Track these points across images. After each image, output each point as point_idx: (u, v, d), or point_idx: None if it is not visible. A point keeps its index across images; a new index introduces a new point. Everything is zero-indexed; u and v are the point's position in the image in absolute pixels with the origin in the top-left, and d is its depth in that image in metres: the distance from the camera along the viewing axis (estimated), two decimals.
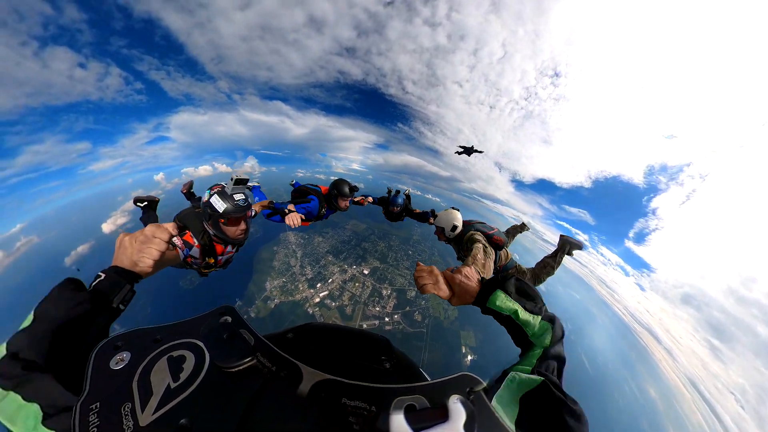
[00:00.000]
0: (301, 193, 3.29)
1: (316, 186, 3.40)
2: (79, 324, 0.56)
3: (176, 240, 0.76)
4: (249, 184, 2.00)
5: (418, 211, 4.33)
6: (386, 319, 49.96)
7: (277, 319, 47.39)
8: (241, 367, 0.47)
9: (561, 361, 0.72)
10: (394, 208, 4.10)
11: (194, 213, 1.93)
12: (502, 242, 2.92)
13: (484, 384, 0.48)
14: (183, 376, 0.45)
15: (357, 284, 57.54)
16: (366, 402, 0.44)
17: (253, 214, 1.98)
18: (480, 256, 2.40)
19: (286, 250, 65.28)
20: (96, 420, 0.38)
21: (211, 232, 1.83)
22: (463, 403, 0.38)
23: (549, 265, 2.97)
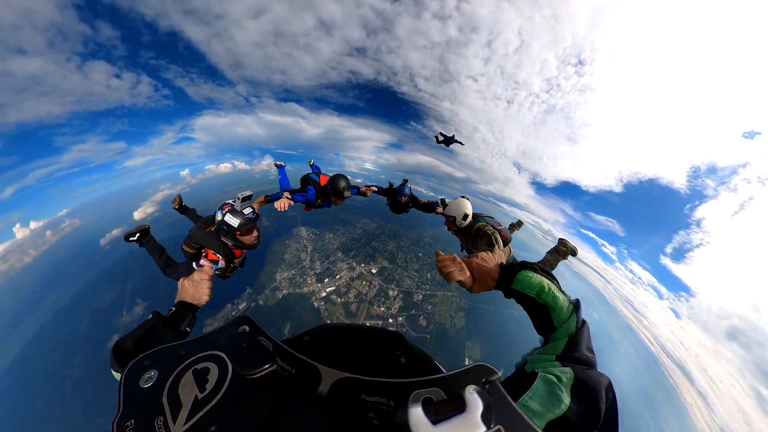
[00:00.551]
0: (303, 183, 3.55)
1: (317, 175, 3.60)
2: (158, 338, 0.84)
3: (211, 271, 1.10)
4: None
5: (424, 201, 4.16)
6: (390, 320, 49.21)
7: (283, 310, 49.13)
8: (262, 373, 0.49)
9: (590, 349, 0.70)
10: (402, 197, 3.96)
11: (207, 233, 2.27)
12: (508, 239, 2.98)
13: (499, 374, 0.49)
14: (209, 386, 0.47)
15: (364, 282, 57.35)
16: (384, 397, 0.45)
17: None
18: (497, 247, 2.42)
19: (297, 244, 66.41)
20: None
21: (230, 244, 2.20)
22: (480, 394, 0.39)
23: (549, 261, 3.00)
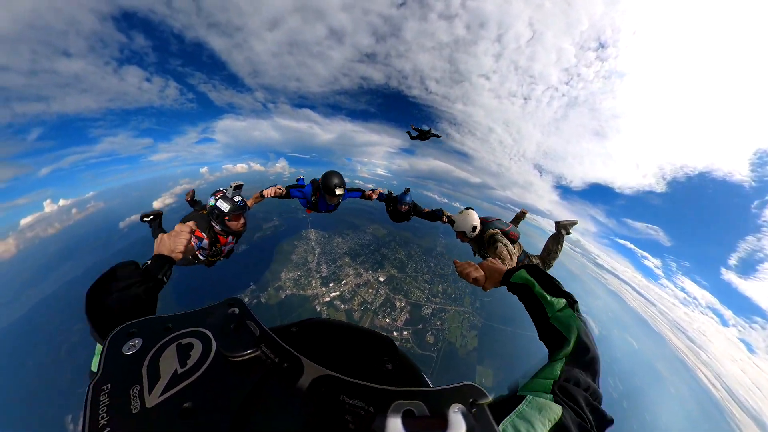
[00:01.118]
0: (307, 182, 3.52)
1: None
2: (136, 286, 0.86)
3: (194, 232, 1.16)
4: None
5: (427, 210, 4.02)
6: (394, 333, 45.60)
7: (285, 310, 47.72)
8: (245, 357, 0.49)
9: (593, 370, 0.64)
10: (403, 206, 3.83)
11: (199, 215, 2.53)
12: (517, 237, 3.20)
13: (490, 398, 0.45)
14: (190, 362, 0.47)
15: (370, 290, 55.15)
16: (364, 401, 0.44)
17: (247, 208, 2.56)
18: (505, 252, 2.69)
19: (305, 246, 65.82)
20: (106, 399, 0.41)
21: (218, 227, 2.43)
22: (464, 415, 0.37)
23: (552, 250, 3.26)
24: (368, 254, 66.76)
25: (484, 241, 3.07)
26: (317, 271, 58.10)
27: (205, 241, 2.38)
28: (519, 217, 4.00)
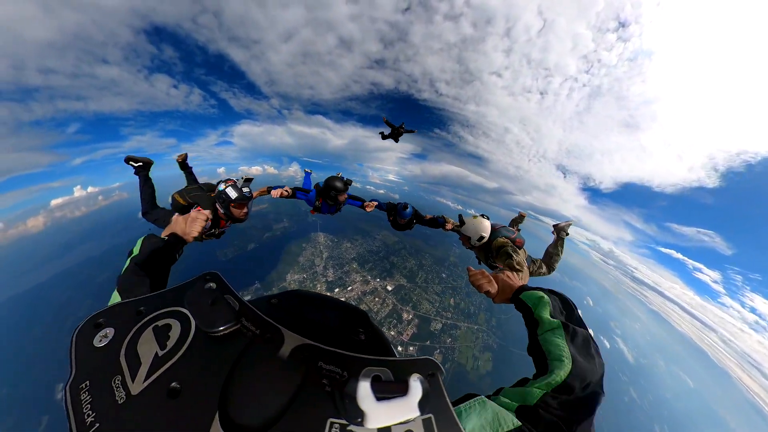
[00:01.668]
0: (316, 188, 3.63)
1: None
2: (155, 257, 0.94)
3: (209, 220, 1.28)
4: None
5: (429, 216, 3.90)
6: (399, 348, 41.85)
7: None
8: (226, 332, 0.49)
9: (584, 410, 0.59)
10: (401, 220, 3.80)
11: (206, 196, 2.70)
12: (522, 243, 3.04)
13: (443, 371, 0.53)
14: (170, 343, 0.47)
15: (377, 299, 52.70)
16: (340, 367, 0.48)
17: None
18: (519, 262, 2.61)
19: (313, 249, 65.20)
20: (88, 397, 0.40)
21: (221, 211, 2.60)
22: (421, 382, 0.42)
23: (553, 253, 3.20)
24: (377, 261, 64.85)
25: (493, 249, 2.95)
26: (323, 275, 57.24)
27: (209, 222, 2.37)
28: (518, 221, 3.85)
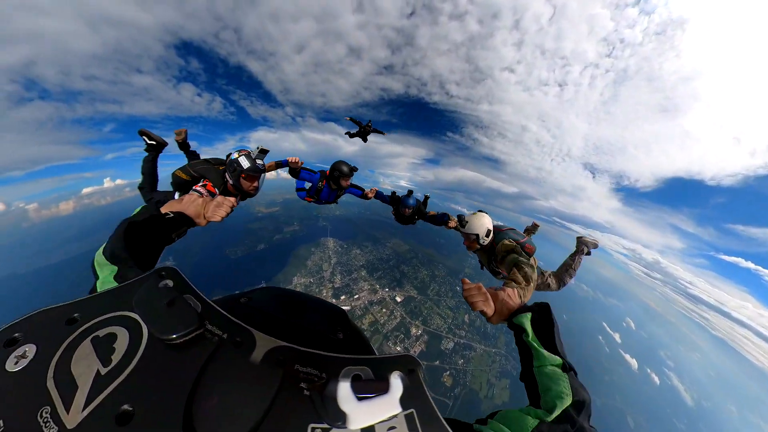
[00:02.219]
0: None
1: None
2: (151, 230, 0.82)
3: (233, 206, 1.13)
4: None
5: (432, 213, 3.74)
6: None
7: None
8: (187, 338, 0.42)
9: None
10: (405, 210, 3.65)
11: (214, 169, 2.53)
12: (532, 251, 2.85)
13: (422, 366, 0.51)
14: (116, 357, 0.38)
15: (384, 310, 49.56)
16: (317, 369, 0.45)
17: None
18: (531, 273, 2.24)
19: (322, 254, 64.13)
20: None
21: (230, 182, 2.42)
22: (402, 379, 0.42)
23: (569, 266, 3.01)
24: (387, 270, 62.08)
25: (497, 253, 2.69)
26: (330, 280, 55.74)
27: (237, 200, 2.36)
28: (530, 230, 3.51)
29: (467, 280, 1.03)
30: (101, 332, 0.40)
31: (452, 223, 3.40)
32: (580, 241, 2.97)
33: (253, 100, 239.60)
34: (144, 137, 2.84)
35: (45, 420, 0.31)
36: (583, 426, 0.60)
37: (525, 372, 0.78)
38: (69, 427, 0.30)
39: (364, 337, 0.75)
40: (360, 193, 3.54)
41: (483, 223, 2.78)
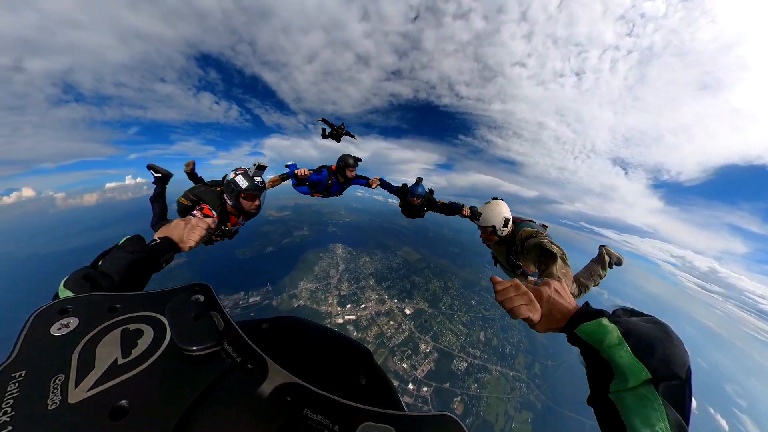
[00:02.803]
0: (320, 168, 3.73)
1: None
2: (136, 262, 0.78)
3: (210, 227, 1.14)
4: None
5: (442, 202, 3.53)
6: (410, 386, 34.23)
7: None
8: (203, 352, 0.41)
9: None
10: (414, 199, 3.43)
11: (211, 190, 2.44)
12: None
13: (465, 429, 0.40)
14: (136, 352, 0.39)
15: (392, 323, 46.54)
16: (330, 419, 0.39)
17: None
18: (566, 267, 1.84)
19: (330, 260, 62.92)
20: (15, 391, 0.32)
21: (230, 203, 2.35)
22: None
23: (597, 274, 2.71)
24: (396, 280, 59.22)
25: (517, 243, 2.37)
26: (337, 288, 53.89)
27: (214, 219, 2.30)
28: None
29: (498, 278, 0.79)
30: (132, 326, 0.43)
31: (466, 212, 3.19)
32: (604, 251, 2.74)
33: (267, 108, 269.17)
34: (151, 171, 2.93)
35: (55, 386, 0.33)
36: None
37: (595, 395, 0.57)
38: (70, 401, 0.32)
39: (390, 384, 0.65)
40: (365, 182, 3.58)
41: (499, 212, 2.52)
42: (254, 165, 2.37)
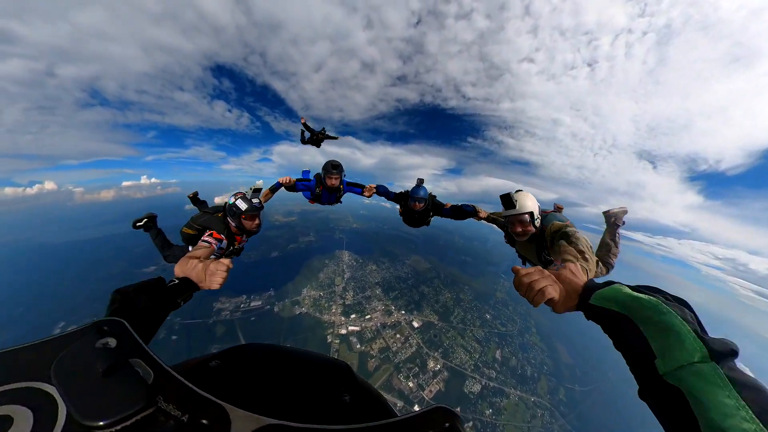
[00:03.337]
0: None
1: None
2: (155, 301, 0.74)
3: (229, 266, 1.15)
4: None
5: (450, 205, 3.28)
6: (415, 407, 30.45)
7: (293, 326, 42.71)
8: (127, 422, 0.27)
9: None
10: (416, 203, 3.17)
11: (214, 217, 2.72)
12: None
13: (460, 416, 0.39)
14: None
15: (398, 336, 43.47)
16: None
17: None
18: (589, 254, 1.89)
19: (336, 267, 61.28)
20: None
21: (233, 224, 2.63)
22: None
23: (609, 246, 2.84)
24: (404, 290, 56.32)
25: (547, 238, 2.31)
26: (342, 296, 51.79)
27: (225, 242, 2.58)
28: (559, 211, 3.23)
29: (519, 267, 0.82)
30: None
31: (483, 213, 3.11)
32: (608, 215, 2.88)
33: (277, 115, 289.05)
34: (137, 225, 3.25)
35: None
36: None
37: (646, 380, 0.48)
38: None
39: (377, 394, 0.60)
40: (359, 191, 3.45)
41: (533, 201, 2.37)
42: (251, 189, 2.67)
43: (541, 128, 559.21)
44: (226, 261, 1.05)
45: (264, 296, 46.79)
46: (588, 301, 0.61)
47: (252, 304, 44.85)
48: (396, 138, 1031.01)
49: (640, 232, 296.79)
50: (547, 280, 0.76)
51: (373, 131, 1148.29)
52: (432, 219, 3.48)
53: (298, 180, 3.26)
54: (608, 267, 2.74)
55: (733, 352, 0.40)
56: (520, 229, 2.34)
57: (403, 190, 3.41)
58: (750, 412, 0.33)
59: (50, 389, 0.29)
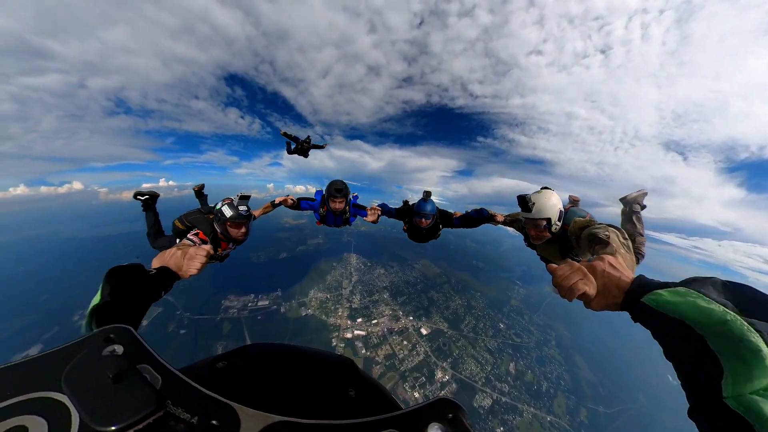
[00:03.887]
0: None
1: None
2: (136, 289, 0.73)
3: (209, 255, 1.16)
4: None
5: (459, 214, 3.06)
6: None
7: (298, 328, 42.75)
8: (139, 426, 0.28)
9: None
10: (422, 220, 2.90)
11: (204, 218, 2.67)
12: None
13: (464, 408, 0.40)
14: None
15: (405, 342, 41.99)
16: None
17: (253, 218, 2.69)
18: (623, 249, 1.72)
19: (344, 270, 60.71)
20: None
21: (219, 230, 2.54)
22: None
23: (634, 232, 2.67)
24: (412, 295, 54.90)
25: (571, 237, 2.18)
26: (348, 299, 51.08)
27: (209, 245, 2.61)
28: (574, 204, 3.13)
29: (553, 265, 0.77)
30: (4, 425, 0.27)
31: (500, 218, 2.91)
32: (627, 200, 2.70)
33: (287, 121, 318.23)
34: (137, 198, 3.23)
35: None
36: None
37: (702, 401, 0.44)
38: None
39: (382, 388, 0.61)
40: (365, 214, 3.25)
41: (554, 203, 2.25)
42: (238, 195, 2.56)
43: (555, 123, 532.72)
44: (206, 246, 1.03)
45: (271, 296, 46.93)
46: (640, 299, 0.54)
47: (259, 303, 45.11)
48: (404, 140, 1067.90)
49: (673, 234, 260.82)
50: (577, 274, 0.69)
51: (380, 134, 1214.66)
52: (441, 231, 3.19)
53: (301, 199, 3.16)
54: (640, 257, 2.55)
55: None
56: (534, 234, 2.24)
57: (404, 205, 3.14)
58: None
59: (62, 398, 0.30)
